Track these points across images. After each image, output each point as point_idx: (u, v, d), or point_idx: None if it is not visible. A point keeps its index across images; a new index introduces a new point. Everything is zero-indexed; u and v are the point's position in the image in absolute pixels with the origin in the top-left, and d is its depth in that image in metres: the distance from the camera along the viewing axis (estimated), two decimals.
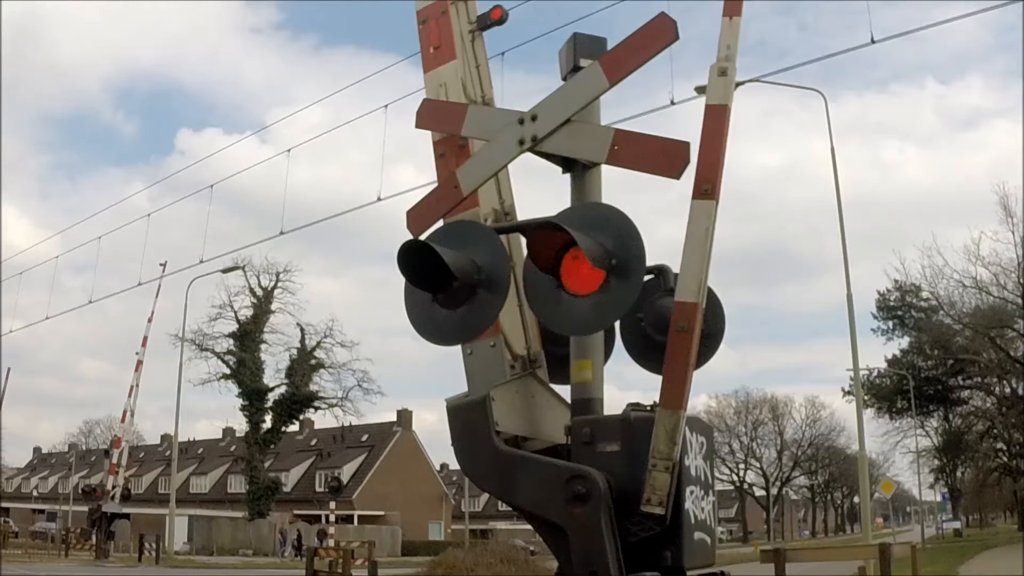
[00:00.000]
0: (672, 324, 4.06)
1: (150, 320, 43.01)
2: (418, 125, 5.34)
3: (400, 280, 4.69)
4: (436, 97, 4.55)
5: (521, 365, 4.78)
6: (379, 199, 13.32)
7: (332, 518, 42.54)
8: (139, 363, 41.22)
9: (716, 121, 4.29)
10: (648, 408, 4.26)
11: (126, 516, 40.00)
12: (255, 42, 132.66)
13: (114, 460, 39.03)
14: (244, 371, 54.11)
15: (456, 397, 4.19)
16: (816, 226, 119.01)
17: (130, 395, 41.62)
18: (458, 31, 4.86)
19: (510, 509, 4.43)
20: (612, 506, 3.87)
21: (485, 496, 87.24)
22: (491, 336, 4.19)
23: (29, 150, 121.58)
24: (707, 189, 4.17)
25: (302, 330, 57.16)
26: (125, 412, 41.49)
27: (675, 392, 3.97)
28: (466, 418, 4.04)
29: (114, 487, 38.08)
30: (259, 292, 56.20)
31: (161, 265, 35.03)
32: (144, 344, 41.56)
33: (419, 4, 4.79)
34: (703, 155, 4.24)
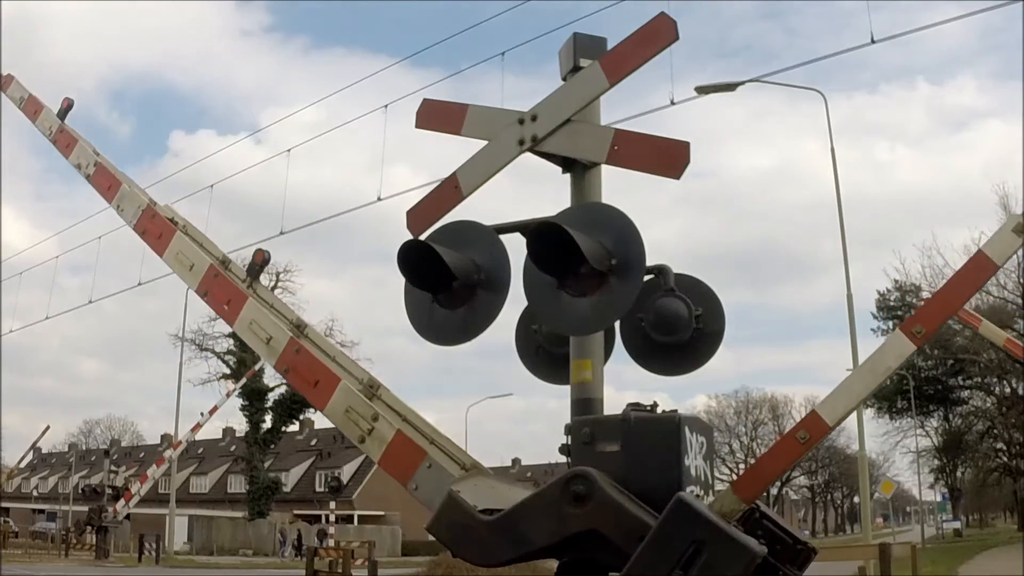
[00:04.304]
0: (794, 429, 3.89)
1: (228, 395, 43.54)
2: (418, 125, 5.35)
3: (398, 281, 4.70)
4: (253, 335, 4.67)
5: None
6: (379, 199, 13.30)
7: (332, 518, 42.50)
8: (198, 425, 41.91)
9: (978, 270, 3.87)
10: (648, 408, 4.26)
11: (127, 518, 40.11)
12: (246, 45, 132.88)
13: (132, 489, 39.22)
14: (244, 371, 54.14)
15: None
16: (811, 226, 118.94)
17: (175, 448, 42.29)
18: (237, 284, 4.99)
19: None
20: (615, 482, 3.84)
21: None
22: (422, 459, 4.17)
23: (25, 151, 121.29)
24: (919, 332, 3.78)
25: None
26: (161, 460, 41.70)
27: (755, 487, 3.87)
28: (447, 521, 3.94)
29: (123, 507, 38.27)
30: None
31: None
32: (212, 412, 42.17)
33: (194, 283, 4.99)
34: (942, 296, 3.86)
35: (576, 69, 4.88)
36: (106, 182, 5.66)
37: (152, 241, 5.28)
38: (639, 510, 3.71)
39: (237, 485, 68.59)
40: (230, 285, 4.90)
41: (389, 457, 4.21)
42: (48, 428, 47.81)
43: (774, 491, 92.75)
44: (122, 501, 38.02)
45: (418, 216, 5.11)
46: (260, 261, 5.23)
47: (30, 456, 67.34)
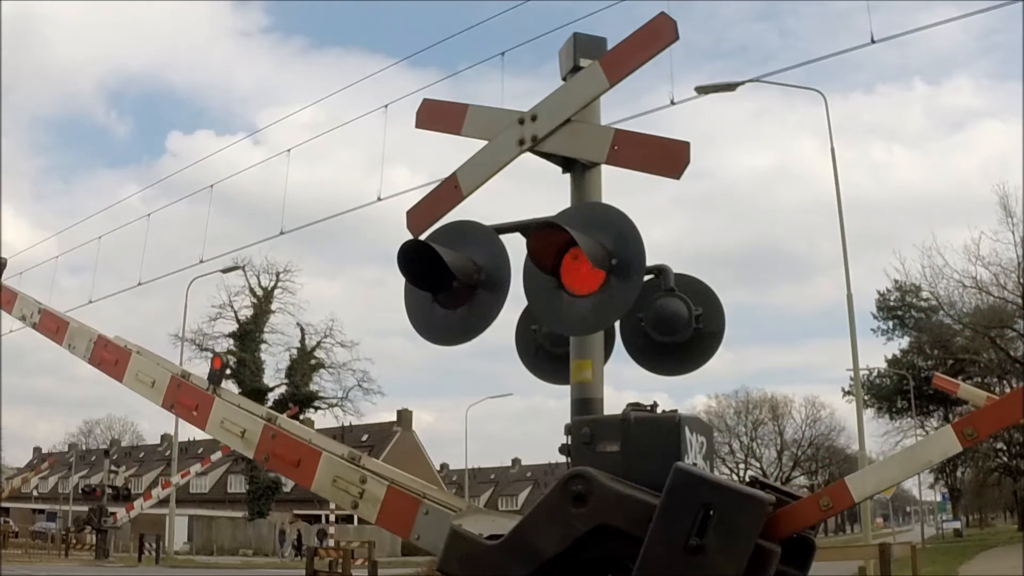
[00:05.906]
0: (819, 494, 3.88)
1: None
2: (418, 126, 5.35)
3: (398, 281, 4.70)
4: (227, 432, 4.71)
5: None
6: (379, 199, 13.29)
7: (332, 518, 42.56)
8: (208, 459, 43.46)
9: None
10: (648, 408, 4.26)
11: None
12: (244, 45, 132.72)
13: (133, 502, 39.70)
14: (244, 371, 54.17)
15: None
16: (808, 227, 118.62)
17: (184, 476, 43.32)
18: (201, 390, 5.00)
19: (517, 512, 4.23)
20: (613, 475, 3.83)
21: (485, 496, 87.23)
22: (418, 509, 4.15)
23: (23, 152, 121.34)
24: (970, 434, 3.70)
25: (302, 330, 57.34)
26: (167, 483, 42.18)
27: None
28: (455, 555, 3.85)
29: (124, 516, 38.51)
30: (259, 292, 56.26)
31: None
32: (225, 452, 42.59)
33: (158, 398, 5.02)
34: (1003, 405, 3.81)
35: (576, 69, 4.89)
36: (53, 325, 5.69)
37: (109, 369, 5.24)
38: (641, 493, 3.71)
39: (237, 485, 68.57)
40: (195, 391, 4.91)
41: (386, 513, 4.19)
42: (54, 460, 48.62)
43: None
44: (123, 510, 38.16)
45: (418, 216, 5.12)
46: (219, 367, 5.20)
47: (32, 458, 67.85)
